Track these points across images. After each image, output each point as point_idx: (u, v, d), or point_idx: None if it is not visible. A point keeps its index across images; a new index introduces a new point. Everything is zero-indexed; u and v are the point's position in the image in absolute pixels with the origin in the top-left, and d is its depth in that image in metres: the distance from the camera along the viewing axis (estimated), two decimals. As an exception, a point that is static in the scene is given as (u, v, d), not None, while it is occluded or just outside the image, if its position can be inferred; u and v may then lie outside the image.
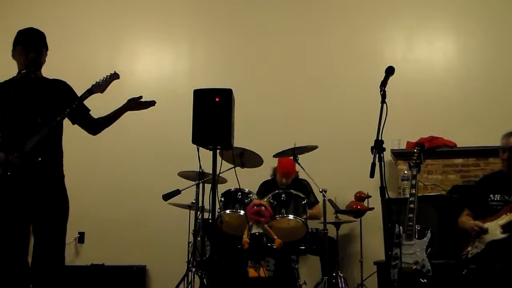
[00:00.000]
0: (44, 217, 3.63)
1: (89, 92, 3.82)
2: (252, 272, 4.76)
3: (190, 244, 5.55)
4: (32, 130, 3.62)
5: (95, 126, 3.95)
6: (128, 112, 4.03)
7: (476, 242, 4.26)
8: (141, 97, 3.97)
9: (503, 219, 4.15)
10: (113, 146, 6.76)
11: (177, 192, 5.45)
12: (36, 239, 3.64)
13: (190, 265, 5.30)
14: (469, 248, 4.29)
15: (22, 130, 3.61)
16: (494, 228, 4.16)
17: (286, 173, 5.82)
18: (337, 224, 5.57)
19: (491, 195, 4.38)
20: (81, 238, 6.89)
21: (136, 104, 3.97)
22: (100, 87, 3.86)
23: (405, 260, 4.38)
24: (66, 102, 3.76)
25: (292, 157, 5.45)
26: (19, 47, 3.73)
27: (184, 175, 5.55)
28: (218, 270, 4.84)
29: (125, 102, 3.96)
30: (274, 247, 4.79)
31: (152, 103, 4.00)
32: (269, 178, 6.12)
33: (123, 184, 6.86)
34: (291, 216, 4.99)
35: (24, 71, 3.61)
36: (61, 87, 3.89)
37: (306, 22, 7.03)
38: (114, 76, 3.93)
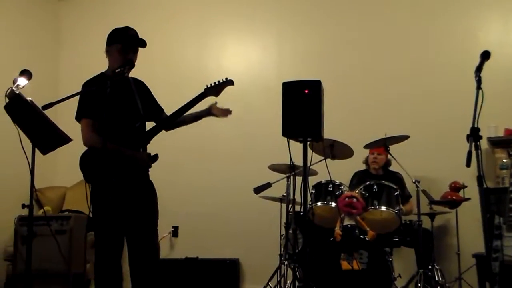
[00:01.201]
0: (139, 213, 3.76)
1: (203, 95, 3.96)
2: (345, 265, 4.74)
3: (282, 237, 5.57)
4: (130, 130, 3.77)
5: (167, 124, 4.05)
6: (218, 105, 4.13)
7: None
8: (216, 102, 4.09)
9: None
10: (205, 141, 6.90)
11: (268, 185, 5.48)
12: (132, 236, 3.76)
13: (282, 258, 5.32)
14: None
15: (121, 128, 3.75)
16: None
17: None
18: (431, 215, 5.44)
19: None
20: (175, 232, 7.07)
21: (219, 111, 4.09)
22: (213, 90, 4.00)
23: (507, 253, 4.21)
24: (149, 103, 3.98)
25: (383, 148, 5.37)
26: (117, 45, 3.84)
27: (275, 168, 5.56)
28: (310, 263, 4.85)
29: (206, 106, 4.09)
30: (367, 239, 4.75)
31: (229, 112, 4.13)
32: (362, 169, 6.06)
33: (215, 179, 6.98)
34: (383, 208, 4.92)
35: (119, 70, 3.72)
36: (145, 87, 4.07)
37: (398, 9, 6.85)
38: (229, 82, 4.07)
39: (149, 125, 4.02)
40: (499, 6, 6.50)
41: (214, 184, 6.97)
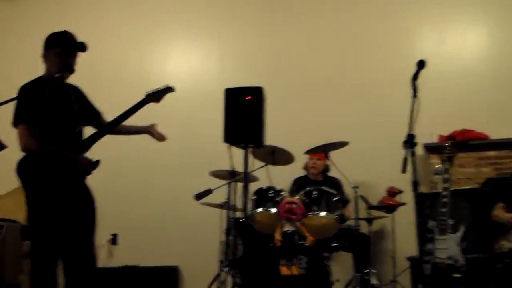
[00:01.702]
0: (76, 220, 3.68)
1: (144, 102, 3.92)
2: (284, 270, 4.76)
3: (222, 243, 5.57)
4: (70, 135, 3.70)
5: (107, 130, 3.99)
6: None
7: (511, 236, 4.21)
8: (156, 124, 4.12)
9: None
10: (144, 147, 6.78)
11: (208, 192, 5.45)
12: (67, 244, 3.66)
13: (222, 265, 5.32)
14: (503, 242, 4.24)
15: (60, 133, 3.68)
16: None
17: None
18: (369, 220, 5.56)
19: None
20: (114, 239, 6.96)
21: (157, 133, 4.11)
22: (154, 97, 3.97)
23: (438, 255, 4.35)
24: (86, 108, 3.94)
25: (323, 153, 5.45)
26: (56, 49, 3.76)
27: (216, 174, 5.56)
28: (250, 269, 4.86)
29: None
30: (307, 244, 4.79)
31: (164, 139, 4.13)
32: (301, 175, 6.13)
33: (155, 186, 6.92)
34: (323, 213, 4.97)
35: (58, 74, 3.65)
36: (80, 92, 4.02)
37: (336, 17, 7.01)
38: (170, 89, 4.02)
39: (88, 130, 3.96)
40: (434, 16, 6.75)
41: (155, 191, 6.91)
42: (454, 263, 4.33)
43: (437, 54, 6.53)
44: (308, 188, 5.10)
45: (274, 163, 5.24)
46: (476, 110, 6.35)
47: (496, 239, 4.37)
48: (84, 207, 3.74)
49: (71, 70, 3.76)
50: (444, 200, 4.57)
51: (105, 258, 6.86)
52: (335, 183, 5.85)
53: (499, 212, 4.46)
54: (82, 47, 3.79)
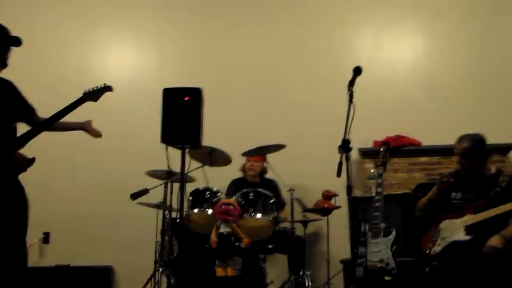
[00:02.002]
0: (7, 218, 3.59)
1: (82, 100, 3.91)
2: (219, 271, 4.77)
3: (158, 244, 5.53)
4: (4, 131, 3.61)
5: (43, 127, 3.93)
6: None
7: (439, 240, 4.32)
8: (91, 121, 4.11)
9: (468, 220, 4.20)
10: (79, 145, 6.68)
11: (145, 191, 5.43)
12: None
13: (157, 265, 5.28)
14: (431, 245, 4.35)
15: None
16: (459, 228, 4.22)
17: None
18: (304, 223, 5.62)
19: (453, 193, 4.44)
20: (46, 238, 6.80)
21: (93, 130, 4.09)
22: (92, 96, 3.97)
23: (370, 258, 4.43)
24: (20, 104, 3.85)
25: (260, 156, 5.49)
26: None
27: (152, 174, 5.52)
28: (185, 270, 4.84)
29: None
30: (242, 246, 4.81)
31: (100, 135, 4.12)
32: (238, 176, 6.15)
33: (90, 184, 6.80)
34: (259, 215, 4.99)
35: None
36: (14, 87, 3.91)
37: (275, 20, 7.09)
38: (108, 88, 4.04)
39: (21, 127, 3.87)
40: (372, 23, 6.89)
41: (90, 189, 6.78)
42: (385, 266, 4.41)
43: (374, 59, 6.69)
44: (244, 190, 5.12)
45: (212, 164, 5.24)
46: (410, 116, 6.54)
47: (423, 241, 4.48)
48: (15, 204, 3.65)
49: (4, 65, 3.68)
50: (377, 204, 4.66)
51: (36, 257, 6.69)
52: (272, 185, 5.90)
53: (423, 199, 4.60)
54: (16, 41, 3.70)
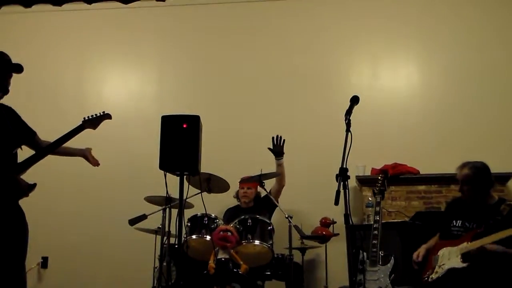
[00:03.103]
0: (6, 242, 3.61)
1: (81, 128, 4.04)
2: (217, 298, 4.77)
3: (156, 270, 5.52)
4: (6, 157, 3.66)
5: (44, 153, 3.99)
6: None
7: (437, 267, 4.32)
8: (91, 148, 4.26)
9: (464, 248, 4.20)
10: (79, 171, 6.68)
11: (143, 217, 5.43)
12: None
13: (156, 291, 5.27)
14: (429, 272, 4.35)
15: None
16: (455, 255, 4.22)
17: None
18: (302, 250, 5.61)
19: (454, 221, 4.45)
20: (44, 263, 6.79)
21: (91, 158, 4.21)
22: (91, 124, 4.11)
23: (369, 286, 4.44)
24: (21, 128, 3.91)
25: (258, 183, 5.50)
26: None
27: (151, 200, 5.53)
28: (183, 296, 4.83)
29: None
30: (240, 272, 4.81)
31: (98, 164, 4.24)
32: (234, 205, 6.14)
33: (90, 209, 6.81)
34: (257, 242, 5.01)
35: None
36: (13, 112, 3.97)
37: (273, 49, 7.15)
38: (107, 116, 4.20)
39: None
40: (368, 53, 6.96)
41: (89, 214, 6.79)
42: (383, 294, 4.42)
43: (372, 88, 6.75)
44: (242, 216, 5.13)
45: (210, 190, 5.26)
46: (408, 145, 6.57)
47: (424, 270, 4.48)
48: (15, 229, 3.67)
49: (5, 91, 3.74)
50: (375, 232, 4.68)
51: (35, 282, 6.67)
52: (266, 201, 5.84)
53: (431, 241, 4.60)
54: (18, 68, 3.77)
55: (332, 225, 5.85)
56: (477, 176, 4.35)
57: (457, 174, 4.46)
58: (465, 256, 4.14)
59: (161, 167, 3.98)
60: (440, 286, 4.20)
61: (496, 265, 4.05)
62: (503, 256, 4.03)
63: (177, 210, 4.12)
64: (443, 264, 4.27)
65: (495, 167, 4.54)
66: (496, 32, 6.83)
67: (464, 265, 4.14)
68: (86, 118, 4.10)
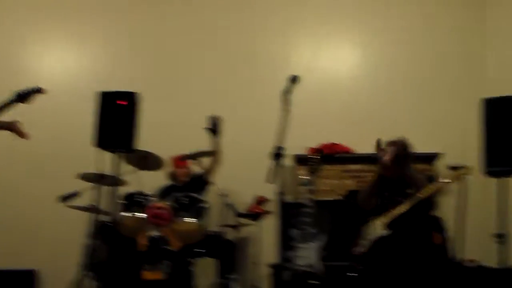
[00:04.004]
0: None
1: (12, 102, 3.94)
2: (148, 275, 4.75)
3: (87, 247, 5.44)
4: None
5: None
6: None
7: (363, 240, 4.42)
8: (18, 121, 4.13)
9: (384, 219, 4.32)
10: (9, 146, 6.51)
11: (75, 194, 5.34)
12: None
13: (85, 269, 5.19)
14: (357, 246, 4.46)
15: None
16: (378, 226, 4.34)
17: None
18: (236, 227, 5.65)
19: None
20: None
21: (20, 131, 4.12)
22: (22, 98, 3.98)
23: (298, 263, 4.51)
24: None
25: (193, 161, 5.49)
26: None
27: (84, 177, 5.43)
28: (113, 273, 4.80)
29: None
30: (172, 250, 4.81)
31: (27, 137, 4.14)
32: (169, 183, 6.10)
33: (18, 184, 6.62)
34: (190, 219, 5.01)
35: None
36: None
37: (212, 25, 7.09)
38: (38, 90, 4.05)
39: None
40: (311, 34, 7.02)
41: (17, 189, 6.60)
42: (313, 270, 4.50)
43: (311, 69, 6.80)
44: (177, 194, 5.12)
45: (145, 168, 5.21)
46: (344, 125, 6.69)
47: (353, 244, 4.58)
48: None
49: None
50: (307, 210, 4.75)
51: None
52: (200, 177, 5.85)
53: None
54: None
55: (265, 203, 5.90)
56: (397, 152, 4.46)
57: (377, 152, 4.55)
58: (387, 226, 4.27)
59: (95, 144, 3.92)
60: (368, 258, 4.31)
61: (415, 230, 4.21)
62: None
63: (110, 187, 4.07)
64: (368, 236, 4.38)
65: (423, 148, 4.67)
66: (426, 19, 7.04)
67: (386, 232, 4.26)
68: (17, 92, 3.97)
